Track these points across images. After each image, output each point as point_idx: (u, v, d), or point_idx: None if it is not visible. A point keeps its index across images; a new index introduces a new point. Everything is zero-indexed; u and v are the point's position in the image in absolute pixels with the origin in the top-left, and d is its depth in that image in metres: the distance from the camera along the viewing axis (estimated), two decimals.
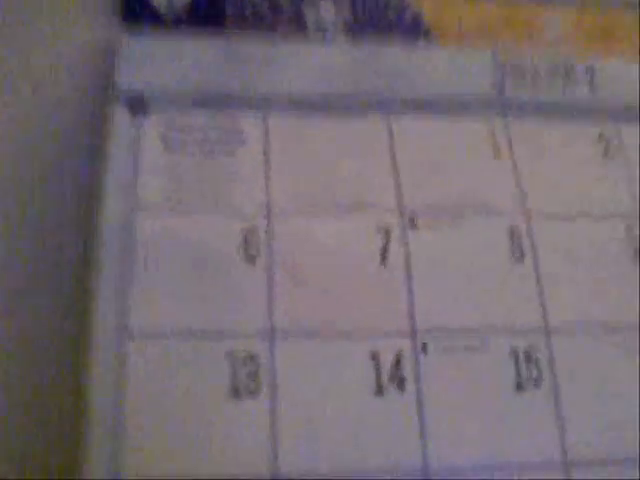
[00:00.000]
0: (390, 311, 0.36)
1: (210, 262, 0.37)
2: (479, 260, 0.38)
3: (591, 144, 0.42)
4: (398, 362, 0.36)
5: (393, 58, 0.43)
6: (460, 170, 0.40)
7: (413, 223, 0.38)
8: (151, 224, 0.37)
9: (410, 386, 0.35)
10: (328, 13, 0.44)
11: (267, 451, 0.33)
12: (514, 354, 0.36)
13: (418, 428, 0.35)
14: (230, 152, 0.39)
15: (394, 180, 0.39)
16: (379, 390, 0.35)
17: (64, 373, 0.36)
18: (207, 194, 0.38)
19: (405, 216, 0.39)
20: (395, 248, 0.38)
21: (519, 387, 0.36)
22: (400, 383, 0.35)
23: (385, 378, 0.35)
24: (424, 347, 0.36)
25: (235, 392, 0.34)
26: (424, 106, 0.42)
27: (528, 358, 0.36)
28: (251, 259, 0.37)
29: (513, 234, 0.39)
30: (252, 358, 0.35)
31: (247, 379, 0.34)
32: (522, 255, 0.39)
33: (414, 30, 0.45)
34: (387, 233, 0.38)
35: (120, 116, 0.39)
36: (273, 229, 0.37)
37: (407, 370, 0.36)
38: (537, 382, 0.36)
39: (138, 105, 0.40)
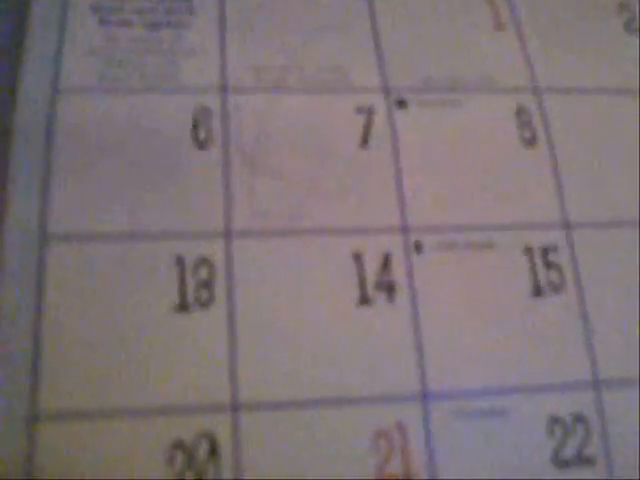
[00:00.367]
0: (374, 202, 0.30)
1: (153, 150, 0.30)
2: (482, 144, 0.32)
3: (611, 15, 0.35)
4: (386, 264, 0.29)
5: None
6: (454, 42, 0.34)
7: (401, 102, 0.32)
8: (79, 108, 0.30)
9: (401, 293, 0.29)
10: None
11: (223, 375, 0.26)
12: (529, 253, 0.30)
13: (413, 345, 0.28)
14: (177, 23, 0.32)
15: (377, 56, 0.33)
16: (363, 299, 0.28)
17: None
18: (149, 71, 0.31)
19: (391, 94, 0.32)
20: (379, 129, 0.31)
21: (536, 292, 0.29)
22: (389, 290, 0.29)
23: (371, 284, 0.29)
24: (418, 245, 0.29)
25: (184, 303, 0.27)
26: None
27: (546, 257, 0.30)
28: (203, 144, 0.30)
29: (521, 114, 0.32)
30: (205, 262, 0.28)
31: (199, 288, 0.27)
32: (534, 138, 0.32)
33: None
34: (369, 113, 0.31)
35: None
36: (229, 108, 0.30)
37: (397, 274, 0.29)
38: (558, 286, 0.29)
39: None
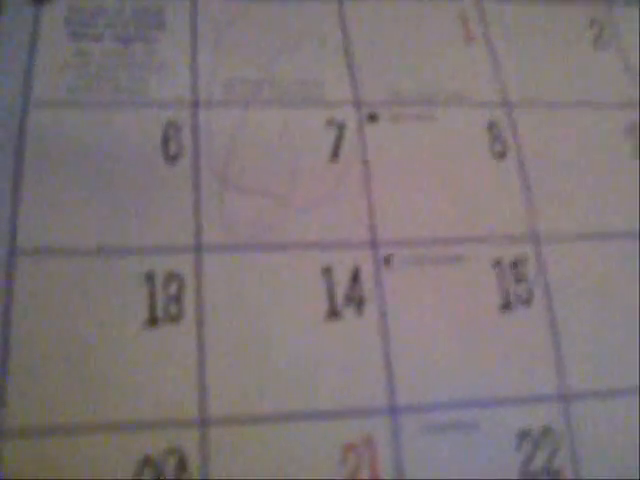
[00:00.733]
0: (344, 217, 0.30)
1: (123, 164, 0.30)
2: (453, 158, 0.32)
3: (582, 30, 0.36)
4: (355, 279, 0.29)
5: None
6: (426, 57, 0.34)
7: (373, 116, 0.32)
8: (50, 122, 0.30)
9: (371, 307, 0.29)
10: None
11: (193, 388, 0.26)
12: (498, 266, 0.30)
13: (382, 359, 0.28)
14: (149, 38, 0.32)
15: (348, 69, 0.33)
16: (333, 313, 0.28)
17: None
18: (120, 85, 0.31)
19: (362, 108, 0.32)
20: (349, 143, 0.31)
21: (505, 305, 0.29)
22: (358, 304, 0.29)
23: (340, 298, 0.29)
24: (387, 259, 0.29)
25: (154, 318, 0.27)
26: None
27: (515, 270, 0.30)
28: (173, 159, 0.30)
29: (492, 128, 0.32)
30: (175, 277, 0.28)
31: (168, 302, 0.27)
32: (504, 152, 0.32)
33: None
34: (340, 127, 0.31)
35: (13, 4, 0.32)
36: (199, 122, 0.31)
37: (367, 288, 0.29)
38: (527, 299, 0.29)
39: None
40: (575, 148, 0.33)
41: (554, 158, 0.32)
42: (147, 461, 0.25)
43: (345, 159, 0.31)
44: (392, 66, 0.33)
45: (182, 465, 0.26)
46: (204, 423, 0.26)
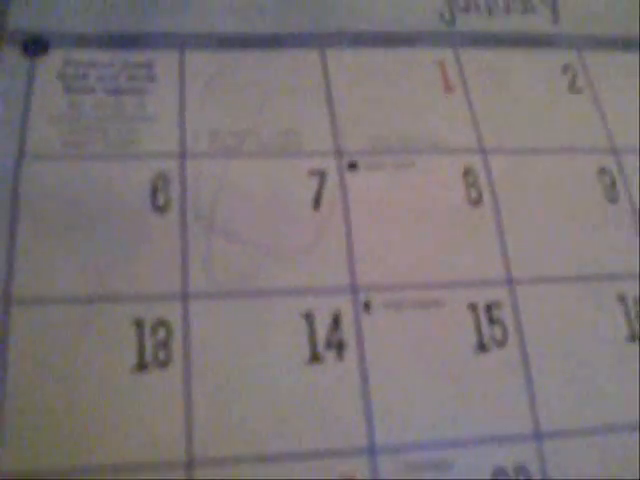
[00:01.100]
0: (325, 263, 0.31)
1: (114, 215, 0.31)
2: (430, 204, 0.33)
3: (555, 76, 0.37)
4: (336, 323, 0.30)
5: None
6: (406, 105, 0.35)
7: (353, 164, 0.33)
8: (44, 174, 0.31)
9: (351, 352, 0.30)
10: None
11: (180, 431, 0.28)
12: (473, 310, 0.31)
13: (362, 401, 0.29)
14: (139, 90, 0.34)
15: (330, 119, 0.34)
16: (314, 357, 0.30)
17: None
18: (111, 137, 0.32)
19: (343, 157, 0.33)
20: (331, 192, 0.32)
21: (480, 347, 0.31)
22: (339, 348, 0.30)
23: (321, 343, 0.30)
24: (367, 305, 0.30)
25: (143, 363, 0.28)
26: (364, 40, 0.37)
27: (489, 313, 0.31)
28: (161, 209, 0.31)
29: (468, 175, 0.34)
30: (163, 324, 0.29)
31: (156, 348, 0.29)
32: (480, 198, 0.33)
33: None
34: (322, 176, 0.33)
35: (9, 57, 0.34)
36: (187, 174, 0.32)
37: (347, 333, 0.30)
38: (501, 341, 0.31)
39: (33, 45, 0.34)
40: (549, 192, 0.34)
41: (528, 203, 0.34)
42: None
43: (327, 207, 0.32)
44: (372, 115, 0.34)
45: None
46: (190, 465, 0.27)
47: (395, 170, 0.33)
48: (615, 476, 0.29)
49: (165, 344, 0.29)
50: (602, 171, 0.35)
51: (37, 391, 0.28)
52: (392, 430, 0.29)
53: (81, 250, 0.30)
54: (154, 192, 0.31)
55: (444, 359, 0.30)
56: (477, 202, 0.33)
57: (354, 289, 0.31)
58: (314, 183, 0.32)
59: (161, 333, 0.29)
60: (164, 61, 0.35)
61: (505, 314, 0.31)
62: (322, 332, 0.30)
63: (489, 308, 0.31)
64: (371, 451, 0.28)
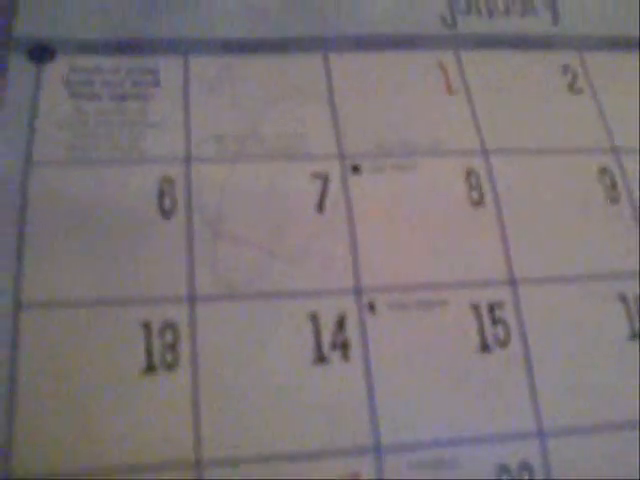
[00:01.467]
0: (329, 265, 0.31)
1: (121, 219, 0.31)
2: (433, 206, 0.33)
3: (555, 77, 0.37)
4: (341, 324, 0.31)
5: None
6: (408, 108, 0.35)
7: (356, 167, 0.33)
8: (51, 180, 0.32)
9: (356, 352, 0.30)
10: None
11: (188, 432, 0.28)
12: (476, 310, 0.31)
13: (367, 400, 0.30)
14: (144, 95, 0.34)
15: (333, 122, 0.35)
16: (320, 358, 0.30)
17: None
18: (117, 143, 0.33)
19: (346, 160, 0.34)
20: (334, 195, 0.33)
21: (483, 347, 0.31)
22: (344, 349, 0.30)
23: (326, 343, 0.30)
24: (371, 306, 0.31)
25: (151, 366, 0.29)
26: (366, 43, 0.37)
27: (492, 313, 0.31)
28: (168, 213, 0.32)
29: (470, 176, 0.34)
30: (170, 326, 0.30)
31: (164, 351, 0.29)
32: (482, 199, 0.34)
33: None
34: (325, 179, 0.33)
35: (16, 63, 0.34)
36: (192, 178, 0.32)
37: (352, 333, 0.30)
38: (504, 341, 0.31)
39: (39, 51, 0.35)
40: (550, 193, 0.34)
41: (529, 203, 0.34)
42: None
43: (330, 210, 0.32)
44: (375, 118, 0.35)
45: None
46: (199, 465, 0.28)
47: (397, 172, 0.34)
48: (618, 473, 0.30)
49: (173, 346, 0.29)
50: (603, 171, 0.35)
51: (47, 394, 0.28)
52: (397, 429, 0.29)
53: (88, 254, 0.31)
54: (160, 196, 0.32)
55: (448, 359, 0.31)
56: (479, 203, 0.34)
57: (358, 290, 0.31)
58: (318, 186, 0.33)
59: (169, 336, 0.30)
60: (168, 66, 0.35)
61: (507, 314, 0.32)
62: (327, 333, 0.30)
63: (492, 308, 0.32)
64: (376, 450, 0.29)
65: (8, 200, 0.31)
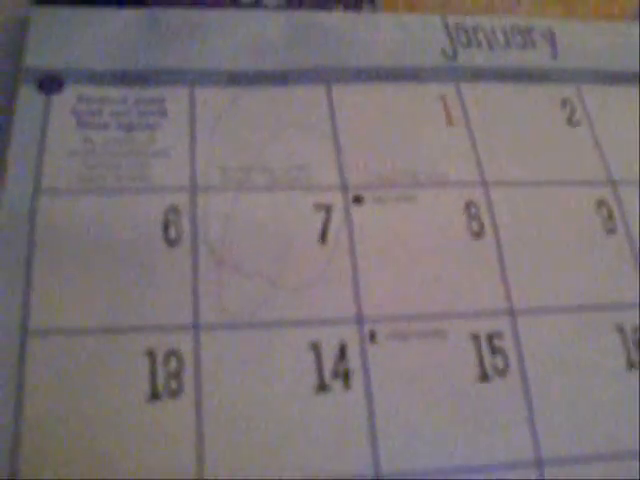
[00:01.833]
0: (332, 295, 0.32)
1: (127, 248, 0.32)
2: (433, 237, 0.34)
3: (554, 110, 0.38)
4: (343, 353, 0.31)
5: (333, 25, 0.39)
6: (409, 140, 0.36)
7: (358, 198, 0.34)
8: (59, 208, 0.32)
9: (357, 381, 0.31)
10: None
11: (191, 459, 0.29)
12: (475, 340, 0.32)
13: (367, 429, 0.30)
14: (151, 125, 0.35)
15: (335, 153, 0.35)
16: (321, 386, 0.31)
17: None
18: (123, 172, 0.34)
19: (348, 191, 0.34)
20: (337, 225, 0.33)
21: (482, 377, 0.31)
22: (345, 377, 0.31)
23: (328, 372, 0.31)
24: (372, 336, 0.31)
25: (155, 393, 0.29)
26: (368, 75, 0.38)
27: (491, 343, 0.32)
28: (173, 242, 0.32)
29: (470, 208, 0.35)
30: (174, 354, 0.30)
31: (168, 378, 0.30)
32: (481, 230, 0.34)
33: None
34: (328, 210, 0.34)
35: (26, 94, 0.35)
36: (197, 207, 0.33)
37: (353, 363, 0.31)
38: (503, 371, 0.32)
39: (48, 82, 0.35)
40: (548, 224, 0.35)
41: (528, 235, 0.34)
42: None
43: (333, 240, 0.33)
44: (376, 149, 0.36)
45: None
46: None
47: (399, 203, 0.34)
48: None
49: (177, 374, 0.30)
50: (600, 203, 0.36)
51: (53, 420, 0.29)
52: (397, 458, 0.30)
53: (95, 282, 0.31)
54: (166, 225, 0.32)
55: (447, 388, 0.31)
56: (479, 234, 0.34)
57: (360, 320, 0.32)
58: (320, 217, 0.33)
59: (173, 363, 0.30)
60: (175, 97, 0.36)
61: (507, 344, 0.32)
62: (329, 362, 0.31)
63: (491, 338, 0.32)
64: (376, 479, 0.29)
65: (17, 228, 0.32)
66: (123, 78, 0.36)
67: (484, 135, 0.37)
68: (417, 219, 0.34)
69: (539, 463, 0.30)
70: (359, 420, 0.30)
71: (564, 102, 0.39)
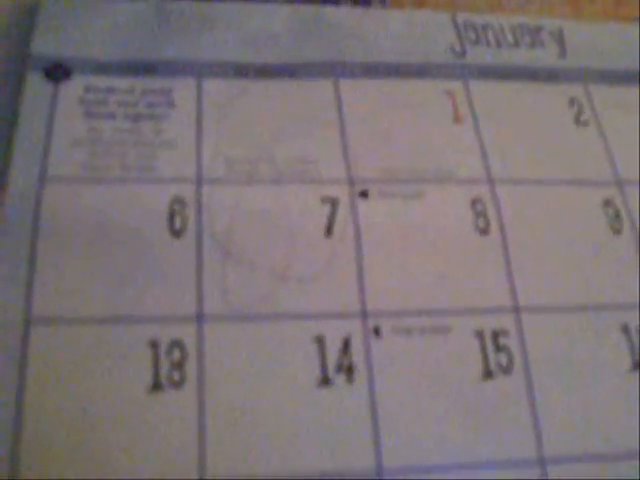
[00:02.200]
0: (336, 288, 0.32)
1: (131, 238, 0.32)
2: (439, 233, 0.34)
3: (562, 109, 0.38)
4: (346, 347, 0.31)
5: (341, 20, 0.39)
6: (416, 135, 0.36)
7: (364, 192, 0.34)
8: (64, 197, 0.32)
9: (360, 375, 0.31)
10: None
11: (193, 450, 0.28)
12: (480, 337, 0.32)
13: (370, 424, 0.30)
14: (157, 116, 0.35)
15: (342, 147, 0.35)
16: (324, 380, 0.30)
17: None
18: (130, 162, 0.33)
19: (355, 185, 0.34)
20: (342, 219, 0.33)
21: (486, 374, 0.31)
22: (349, 372, 0.31)
23: (331, 366, 0.31)
24: (376, 330, 0.31)
25: (158, 384, 0.29)
26: (376, 71, 0.38)
27: (496, 341, 0.32)
28: (178, 233, 0.32)
29: (476, 205, 0.35)
30: (177, 345, 0.30)
31: (171, 369, 0.30)
32: (487, 227, 0.34)
33: None
34: (334, 204, 0.33)
35: (33, 82, 0.35)
36: (203, 199, 0.33)
37: (357, 357, 0.31)
38: (507, 368, 0.31)
39: (56, 70, 0.35)
40: (555, 223, 0.35)
41: (534, 232, 0.34)
42: None
43: (338, 234, 0.33)
44: (383, 144, 0.35)
45: None
46: None
47: (405, 198, 0.34)
48: None
49: (180, 365, 0.30)
50: (607, 203, 0.36)
51: (54, 407, 0.28)
52: (399, 453, 0.30)
53: (99, 272, 0.31)
54: (171, 216, 0.32)
55: (451, 384, 0.31)
56: (485, 231, 0.34)
57: (364, 314, 0.32)
58: (326, 210, 0.33)
59: (176, 354, 0.30)
60: (182, 88, 0.36)
61: (511, 341, 0.32)
62: (332, 356, 0.31)
63: (495, 335, 0.32)
64: (378, 474, 0.29)
65: (22, 216, 0.31)
66: (131, 68, 0.36)
67: (491, 133, 0.37)
68: (423, 215, 0.34)
69: (542, 462, 0.30)
70: (361, 415, 0.30)
71: (572, 101, 0.38)
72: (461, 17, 0.40)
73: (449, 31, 0.40)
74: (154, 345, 0.30)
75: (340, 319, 0.31)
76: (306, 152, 0.35)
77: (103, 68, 0.36)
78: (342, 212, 0.33)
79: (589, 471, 0.30)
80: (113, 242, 0.32)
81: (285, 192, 0.34)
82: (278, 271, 0.32)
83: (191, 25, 0.38)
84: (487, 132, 0.37)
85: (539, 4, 0.42)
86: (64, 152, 0.33)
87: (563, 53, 0.40)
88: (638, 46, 0.41)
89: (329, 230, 0.33)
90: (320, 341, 0.31)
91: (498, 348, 0.32)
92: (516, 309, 0.33)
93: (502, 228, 0.34)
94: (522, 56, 0.40)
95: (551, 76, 0.39)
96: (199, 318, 0.31)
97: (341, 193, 0.34)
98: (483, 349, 0.32)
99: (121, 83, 0.35)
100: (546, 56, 0.40)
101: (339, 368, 0.31)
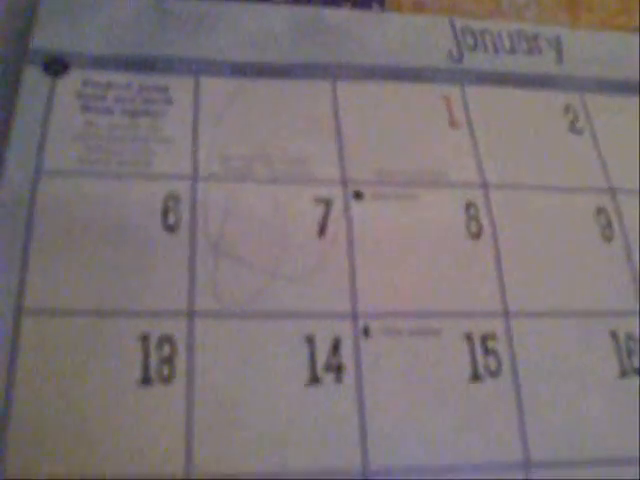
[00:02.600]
0: (328, 289, 0.32)
1: (124, 233, 0.32)
2: (431, 236, 0.34)
3: (557, 116, 0.38)
4: (336, 347, 0.31)
5: (340, 22, 0.39)
6: (411, 139, 0.36)
7: (358, 193, 0.34)
8: (59, 190, 0.32)
9: (349, 375, 0.31)
10: None
11: (180, 445, 0.29)
12: (469, 340, 0.32)
13: (357, 424, 0.30)
14: (155, 112, 0.35)
15: (337, 148, 0.35)
16: (313, 379, 0.31)
17: None
18: (126, 158, 0.34)
19: (349, 186, 0.34)
20: (336, 220, 0.33)
21: (474, 377, 0.31)
22: (338, 371, 0.31)
23: (321, 365, 0.31)
24: (366, 331, 0.31)
25: (147, 378, 0.29)
26: (373, 73, 0.38)
27: (484, 344, 0.32)
28: (171, 229, 0.32)
29: (470, 209, 0.35)
30: (167, 340, 0.30)
31: (161, 364, 0.30)
32: (479, 232, 0.34)
33: None
34: (327, 204, 0.34)
35: (31, 76, 0.35)
36: (197, 196, 0.33)
37: (346, 357, 0.31)
38: (495, 372, 0.32)
39: (54, 64, 0.36)
40: (547, 229, 0.35)
41: (526, 238, 0.35)
42: None
43: (331, 234, 0.33)
44: (378, 146, 0.36)
45: None
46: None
47: (399, 201, 0.34)
48: None
49: (169, 360, 0.30)
50: (599, 211, 0.36)
51: (43, 399, 0.29)
52: (385, 454, 0.30)
53: (92, 265, 0.31)
54: (165, 212, 0.32)
55: (439, 386, 0.31)
56: (477, 235, 0.34)
57: (354, 315, 0.32)
58: (320, 210, 0.34)
59: (166, 349, 0.30)
60: (180, 85, 0.36)
61: (500, 345, 0.32)
62: (322, 355, 0.31)
63: (484, 339, 0.32)
64: (364, 474, 0.29)
65: (17, 208, 0.32)
66: (129, 64, 0.36)
67: (486, 137, 0.37)
68: (416, 217, 0.34)
69: (526, 465, 0.30)
70: (349, 414, 0.30)
71: (567, 108, 0.39)
72: (459, 22, 0.40)
73: (447, 36, 0.40)
74: (144, 339, 0.30)
75: (330, 319, 0.31)
76: (301, 152, 0.35)
77: (101, 63, 0.36)
78: (335, 213, 0.34)
79: (574, 476, 0.30)
80: (107, 236, 0.32)
81: (279, 191, 0.34)
82: (270, 270, 0.32)
83: (190, 23, 0.38)
84: (482, 137, 0.37)
85: (537, 11, 0.43)
86: (60, 146, 0.33)
87: (560, 60, 0.40)
88: (636, 56, 0.41)
89: (322, 230, 0.33)
90: (310, 340, 0.31)
91: (487, 351, 0.32)
92: (506, 313, 0.33)
93: (494, 233, 0.34)
94: (519, 62, 0.40)
95: (547, 83, 0.39)
96: (190, 314, 0.31)
97: (335, 194, 0.34)
98: (472, 352, 0.32)
99: (119, 78, 0.36)
100: (543, 63, 0.40)
101: (328, 367, 0.31)
